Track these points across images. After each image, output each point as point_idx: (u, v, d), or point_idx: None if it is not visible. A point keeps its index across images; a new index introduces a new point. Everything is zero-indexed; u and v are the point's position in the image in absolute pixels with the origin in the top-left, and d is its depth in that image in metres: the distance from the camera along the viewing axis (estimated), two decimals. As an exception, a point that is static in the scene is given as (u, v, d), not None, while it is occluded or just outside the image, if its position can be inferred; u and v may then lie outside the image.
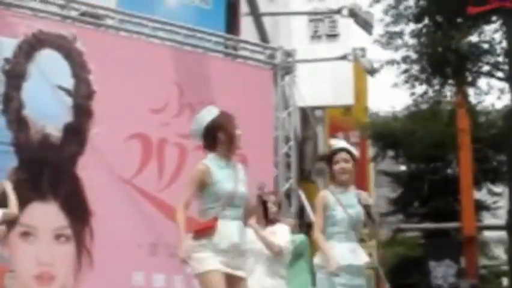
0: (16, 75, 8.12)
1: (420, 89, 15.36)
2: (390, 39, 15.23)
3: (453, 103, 16.99)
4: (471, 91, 15.67)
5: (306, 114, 18.49)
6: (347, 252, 5.30)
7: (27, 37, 8.25)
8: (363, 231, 5.62)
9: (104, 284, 8.25)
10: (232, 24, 12.12)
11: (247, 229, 5.22)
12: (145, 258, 8.73)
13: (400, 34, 15.26)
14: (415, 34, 15.07)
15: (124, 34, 9.49)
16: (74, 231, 8.25)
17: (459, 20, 14.44)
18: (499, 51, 15.09)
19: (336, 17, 16.01)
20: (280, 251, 6.39)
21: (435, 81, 15.23)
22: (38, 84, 8.24)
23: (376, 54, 27.89)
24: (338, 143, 5.68)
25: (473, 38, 15.06)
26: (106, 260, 8.29)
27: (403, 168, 25.30)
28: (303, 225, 10.35)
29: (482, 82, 15.61)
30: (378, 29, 15.29)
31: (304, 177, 16.58)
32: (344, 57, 13.60)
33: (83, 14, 9.02)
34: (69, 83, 8.51)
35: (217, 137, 4.95)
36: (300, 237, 7.29)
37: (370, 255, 17.01)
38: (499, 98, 15.59)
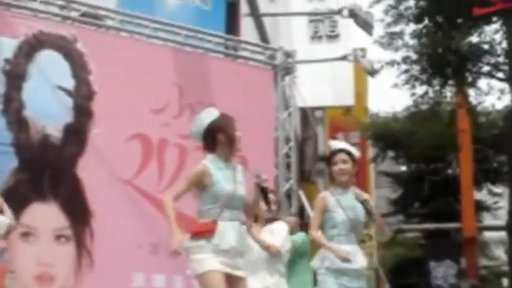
0: (16, 76, 8.12)
1: (420, 89, 15.40)
2: (390, 39, 15.25)
3: (453, 104, 17.02)
4: (471, 92, 15.70)
5: (306, 114, 18.49)
6: (343, 264, 5.29)
7: (27, 38, 8.25)
8: (364, 231, 5.64)
9: (104, 284, 8.25)
10: (232, 25, 12.12)
11: (246, 231, 5.22)
12: (145, 259, 8.73)
13: (400, 34, 15.28)
14: (415, 35, 15.09)
15: (125, 35, 9.49)
16: (75, 232, 8.24)
17: (459, 20, 14.46)
18: (499, 51, 15.12)
19: (337, 17, 16.01)
20: (278, 252, 6.40)
21: (436, 81, 15.25)
22: (39, 84, 8.24)
23: (376, 54, 27.92)
24: (337, 144, 5.68)
25: (474, 39, 15.10)
26: (106, 261, 8.29)
27: (403, 168, 25.32)
28: (303, 226, 10.35)
29: (483, 83, 15.65)
30: (379, 30, 15.32)
31: (305, 178, 16.59)
32: (344, 58, 13.61)
33: (84, 14, 9.02)
34: (69, 83, 8.51)
35: (217, 138, 4.96)
36: (302, 236, 7.28)
37: (370, 255, 17.02)
38: (499, 98, 15.63)
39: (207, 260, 4.77)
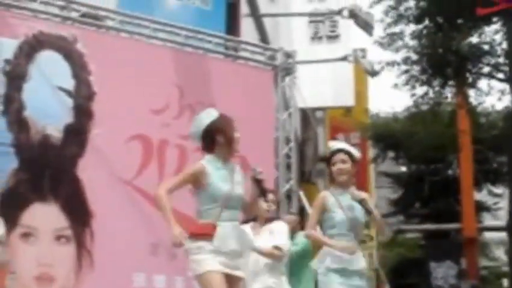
0: (16, 76, 8.12)
1: (420, 90, 15.40)
2: (390, 40, 15.25)
3: (453, 104, 17.02)
4: (471, 92, 15.71)
5: (306, 115, 18.50)
6: (346, 255, 5.30)
7: (27, 38, 8.25)
8: (364, 232, 5.64)
9: (104, 285, 8.25)
10: (232, 25, 12.12)
11: (245, 229, 5.24)
12: (145, 259, 8.73)
13: (400, 35, 15.28)
14: (415, 35, 15.09)
15: (125, 35, 9.49)
16: (75, 232, 8.24)
17: (459, 21, 14.46)
18: (499, 52, 15.12)
19: (337, 18, 16.01)
20: (282, 255, 6.46)
21: (436, 82, 15.25)
22: (39, 85, 8.24)
23: (376, 55, 27.92)
24: (336, 144, 5.69)
25: (474, 39, 15.10)
26: (106, 261, 8.28)
27: (404, 169, 25.33)
28: (304, 227, 10.35)
29: (483, 83, 15.66)
30: (379, 30, 15.32)
31: (305, 179, 16.59)
32: (344, 59, 13.61)
33: (84, 15, 9.02)
34: (69, 84, 8.51)
35: (216, 139, 4.98)
36: (303, 242, 7.30)
37: (371, 256, 17.03)
38: (499, 99, 15.64)
39: (207, 261, 4.79)
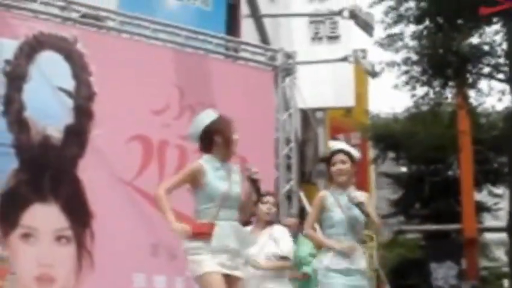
0: (17, 77, 8.11)
1: (421, 90, 15.40)
2: (390, 40, 15.25)
3: (454, 105, 17.01)
4: (472, 93, 15.71)
5: (306, 115, 18.50)
6: (345, 255, 5.30)
7: (28, 39, 8.24)
8: (364, 232, 5.63)
9: (104, 285, 8.25)
10: (232, 26, 12.13)
11: (245, 230, 5.24)
12: (145, 260, 8.73)
13: (401, 36, 15.28)
14: (416, 36, 15.09)
15: (125, 36, 9.49)
16: (75, 233, 8.24)
17: (460, 21, 14.46)
18: (499, 52, 15.12)
19: (337, 18, 16.01)
20: (290, 265, 6.49)
21: (436, 82, 15.25)
22: (39, 85, 8.24)
23: (377, 55, 27.94)
24: (336, 144, 5.70)
25: (474, 40, 15.10)
26: (106, 262, 8.28)
27: (404, 169, 25.32)
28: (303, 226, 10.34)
29: (483, 84, 15.65)
30: (379, 31, 15.32)
31: (305, 179, 16.59)
32: (344, 59, 13.62)
33: (84, 15, 9.02)
34: (70, 84, 8.51)
35: (214, 140, 5.00)
36: (304, 250, 7.33)
37: (371, 256, 17.02)
38: (499, 99, 15.64)
39: (206, 262, 4.80)
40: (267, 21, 15.23)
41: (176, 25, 9.84)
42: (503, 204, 21.55)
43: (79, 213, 8.28)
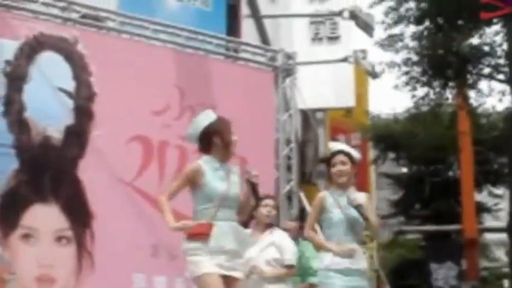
0: (17, 78, 8.12)
1: (421, 91, 15.41)
2: (391, 41, 15.25)
3: (454, 105, 17.01)
4: (472, 93, 15.71)
5: (307, 116, 18.50)
6: (345, 255, 5.31)
7: (28, 39, 8.25)
8: (364, 232, 5.63)
9: (105, 286, 8.25)
10: (233, 27, 12.13)
11: (244, 231, 5.23)
12: (146, 261, 8.73)
13: (401, 36, 15.29)
14: (416, 36, 15.10)
15: (125, 36, 9.50)
16: (75, 233, 8.24)
17: (460, 22, 14.46)
18: (499, 53, 15.12)
19: (337, 19, 16.00)
20: (294, 272, 6.49)
21: (436, 83, 15.25)
22: (39, 86, 8.24)
23: (377, 56, 27.95)
24: (336, 145, 5.70)
25: (474, 40, 15.10)
26: (106, 262, 8.29)
27: (404, 170, 25.31)
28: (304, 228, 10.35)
29: (483, 84, 15.70)
30: (379, 31, 15.32)
31: (306, 180, 16.58)
32: (344, 60, 13.59)
33: (84, 16, 9.03)
34: (70, 85, 8.51)
35: (213, 141, 5.02)
36: (307, 258, 7.34)
37: (371, 257, 17.02)
38: (499, 100, 15.64)
39: (204, 263, 4.81)
40: (267, 22, 15.23)
41: (177, 25, 9.84)
42: (504, 204, 21.54)
43: (79, 214, 8.28)
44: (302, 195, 11.11)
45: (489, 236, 24.47)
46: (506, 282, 23.21)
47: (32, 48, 8.25)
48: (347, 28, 16.15)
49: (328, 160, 5.51)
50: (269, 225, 6.52)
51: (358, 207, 5.29)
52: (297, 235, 7.67)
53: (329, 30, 17.23)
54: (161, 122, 9.17)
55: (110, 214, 8.42)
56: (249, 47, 10.93)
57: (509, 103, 15.75)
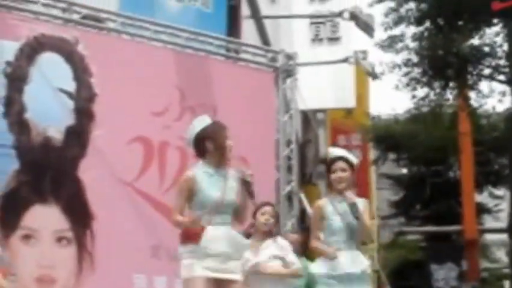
0: (18, 78, 8.12)
1: (421, 92, 15.39)
2: (391, 42, 15.25)
3: (454, 106, 16.99)
4: (472, 94, 15.69)
5: (307, 117, 18.51)
6: (346, 260, 5.31)
7: (29, 40, 8.25)
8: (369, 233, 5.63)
9: (105, 286, 8.25)
10: (233, 27, 12.12)
11: (238, 235, 5.21)
12: (146, 261, 8.73)
13: (401, 37, 15.29)
14: (416, 37, 15.09)
15: (126, 37, 9.50)
16: (76, 234, 8.24)
17: (460, 23, 14.45)
18: (500, 54, 15.11)
19: (338, 20, 16.01)
20: (298, 271, 6.49)
21: (437, 84, 15.25)
22: (40, 87, 8.24)
23: (377, 56, 27.96)
24: (336, 151, 5.70)
25: (475, 41, 15.08)
26: (107, 263, 8.29)
27: (405, 171, 25.32)
28: (304, 229, 10.36)
29: (484, 85, 15.64)
30: (380, 32, 15.32)
31: (306, 180, 16.60)
32: (345, 60, 13.60)
33: (85, 17, 9.03)
34: (71, 85, 8.51)
35: (206, 146, 5.01)
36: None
37: (371, 257, 17.02)
38: (500, 101, 15.63)
39: (193, 266, 4.85)
40: (267, 23, 15.24)
41: (177, 26, 9.84)
42: (504, 205, 21.56)
43: (79, 215, 8.28)
44: (303, 196, 11.14)
45: (489, 237, 24.47)
46: (506, 283, 23.22)
47: (32, 49, 8.25)
48: (348, 29, 16.16)
49: (328, 166, 5.51)
50: (269, 234, 6.49)
51: (352, 206, 5.29)
52: (300, 248, 7.66)
53: (330, 31, 17.24)
54: (162, 123, 9.17)
55: (110, 215, 8.42)
56: (249, 47, 10.93)
57: (509, 104, 15.76)
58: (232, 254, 4.97)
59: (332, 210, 5.38)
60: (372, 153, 23.19)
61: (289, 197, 10.46)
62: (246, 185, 5.04)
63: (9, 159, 7.95)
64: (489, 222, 23.89)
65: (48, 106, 8.28)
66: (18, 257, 7.81)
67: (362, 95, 20.33)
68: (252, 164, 8.38)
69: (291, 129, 10.77)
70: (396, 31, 15.33)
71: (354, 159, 5.56)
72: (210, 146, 5.04)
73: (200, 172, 5.01)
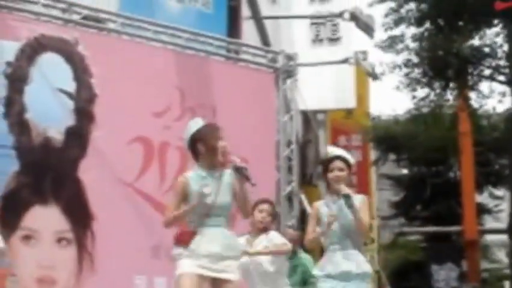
0: (18, 79, 8.12)
1: (421, 92, 15.40)
2: (391, 42, 15.26)
3: (455, 107, 17.00)
4: (472, 95, 15.70)
5: (307, 117, 18.49)
6: (341, 260, 5.31)
7: (29, 41, 8.25)
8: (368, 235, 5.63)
9: (105, 287, 8.26)
10: (233, 28, 12.12)
11: (232, 236, 5.20)
12: (146, 262, 8.74)
13: (401, 38, 15.29)
14: (416, 38, 15.10)
15: (126, 38, 9.50)
16: (76, 235, 8.25)
17: (460, 23, 14.46)
18: (500, 54, 15.12)
19: (338, 20, 16.00)
20: (289, 249, 6.49)
21: (437, 84, 15.26)
22: (40, 87, 8.25)
23: (378, 57, 27.96)
24: (334, 150, 5.69)
25: (475, 42, 15.09)
26: (107, 264, 8.29)
27: (405, 171, 25.33)
28: (304, 229, 10.36)
29: (484, 86, 15.65)
30: (380, 33, 15.33)
31: (306, 181, 16.58)
32: (345, 61, 13.61)
33: (85, 17, 9.03)
34: (71, 86, 8.52)
35: (198, 148, 5.04)
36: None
37: (372, 258, 17.03)
38: (500, 101, 15.63)
39: (183, 265, 4.91)
40: (268, 23, 15.22)
41: (177, 27, 9.85)
42: (504, 206, 21.56)
43: (79, 215, 8.28)
44: (303, 196, 11.13)
45: (490, 238, 24.48)
46: (507, 284, 23.23)
47: (33, 50, 8.25)
48: (348, 29, 16.15)
49: (325, 165, 5.51)
50: (263, 230, 6.52)
51: (345, 197, 5.28)
52: (297, 245, 7.67)
53: (330, 32, 17.22)
54: (162, 124, 9.18)
55: (110, 215, 8.42)
56: (249, 48, 10.94)
57: (509, 104, 15.76)
58: (225, 255, 4.98)
59: (327, 211, 5.39)
60: (373, 154, 23.19)
61: (289, 198, 10.46)
62: (240, 171, 5.02)
63: (10, 160, 7.95)
64: (489, 222, 23.89)
65: (48, 107, 8.29)
66: (19, 258, 7.81)
67: (362, 96, 20.32)
68: (252, 165, 8.36)
69: (291, 129, 10.77)
70: (397, 32, 15.36)
71: (351, 159, 5.56)
72: (201, 148, 5.07)
73: (194, 175, 5.05)
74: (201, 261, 4.90)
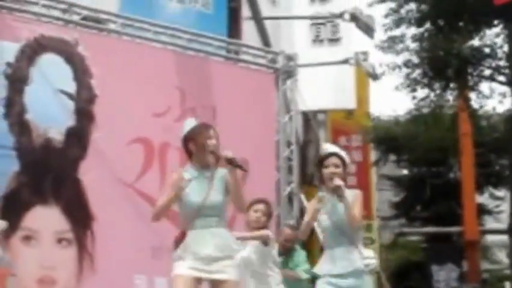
0: (18, 79, 8.13)
1: (422, 92, 15.40)
2: (391, 43, 15.26)
3: (455, 107, 17.00)
4: (473, 95, 15.69)
5: (308, 118, 18.50)
6: (337, 258, 5.31)
7: (29, 41, 8.26)
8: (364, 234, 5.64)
9: (106, 287, 8.26)
10: (233, 29, 12.12)
11: (224, 234, 5.19)
12: (147, 262, 8.74)
13: (401, 38, 15.29)
14: (417, 38, 15.10)
15: (126, 38, 9.50)
16: (76, 235, 8.25)
17: (460, 24, 14.46)
18: (500, 55, 15.11)
19: (338, 21, 16.02)
20: (270, 235, 6.49)
21: (437, 85, 15.25)
22: (40, 88, 8.25)
23: (378, 57, 27.96)
24: (330, 147, 5.69)
25: (475, 42, 15.08)
26: (107, 264, 8.29)
27: (405, 172, 25.31)
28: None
29: (484, 86, 15.64)
30: (380, 33, 15.33)
31: (306, 181, 16.57)
32: (345, 61, 13.61)
33: (85, 18, 9.04)
34: (71, 87, 8.52)
35: (189, 148, 5.07)
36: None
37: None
38: (500, 102, 15.62)
39: (177, 267, 4.94)
40: (268, 24, 15.24)
41: (178, 28, 9.85)
42: (505, 206, 21.52)
43: (80, 216, 8.29)
44: (303, 196, 11.12)
45: (490, 238, 24.48)
46: (507, 285, 23.20)
47: (33, 50, 8.26)
48: (348, 30, 16.17)
49: (321, 162, 5.50)
50: (259, 230, 6.51)
51: (336, 189, 5.28)
52: (294, 243, 7.68)
53: (330, 32, 17.24)
54: (162, 124, 9.17)
55: (111, 216, 8.43)
56: (249, 49, 10.94)
57: (510, 105, 15.76)
58: (215, 256, 4.98)
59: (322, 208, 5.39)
60: (373, 154, 23.18)
61: (289, 198, 10.47)
62: (230, 162, 5.01)
63: (10, 160, 7.96)
64: (490, 223, 23.88)
65: (48, 107, 8.30)
66: (19, 258, 7.82)
67: (362, 96, 20.32)
68: (253, 165, 8.38)
69: (291, 130, 10.78)
70: (397, 32, 15.36)
71: (346, 157, 5.56)
72: (192, 147, 5.12)
73: (186, 175, 5.06)
74: (195, 263, 4.92)
